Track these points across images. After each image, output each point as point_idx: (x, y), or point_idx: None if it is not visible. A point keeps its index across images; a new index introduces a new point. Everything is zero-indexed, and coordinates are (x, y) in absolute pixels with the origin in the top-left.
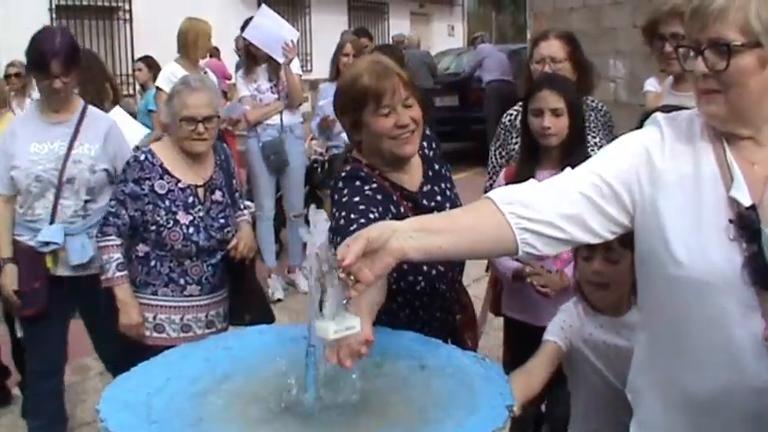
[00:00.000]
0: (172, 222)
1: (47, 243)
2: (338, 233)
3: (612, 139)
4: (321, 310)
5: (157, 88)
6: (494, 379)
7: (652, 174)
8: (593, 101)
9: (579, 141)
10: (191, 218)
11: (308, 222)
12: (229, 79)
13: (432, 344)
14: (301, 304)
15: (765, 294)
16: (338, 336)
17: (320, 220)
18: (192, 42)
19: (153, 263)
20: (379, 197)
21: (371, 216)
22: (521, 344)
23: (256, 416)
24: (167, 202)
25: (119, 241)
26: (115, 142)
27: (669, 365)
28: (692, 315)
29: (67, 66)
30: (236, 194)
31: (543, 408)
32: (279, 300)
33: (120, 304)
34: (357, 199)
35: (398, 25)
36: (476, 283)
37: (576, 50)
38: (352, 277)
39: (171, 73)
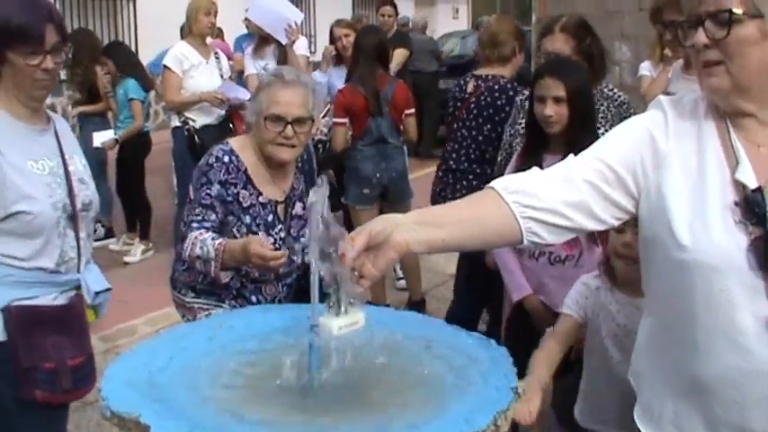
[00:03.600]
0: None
1: (97, 293)
2: None
3: None
4: (323, 302)
5: (165, 67)
6: (498, 360)
7: (656, 157)
8: (610, 89)
9: (585, 128)
10: (271, 240)
11: None
12: (232, 59)
13: (436, 324)
14: None
15: None
16: (342, 332)
17: (319, 198)
18: (193, 18)
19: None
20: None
21: None
22: (527, 326)
23: (259, 394)
24: (248, 219)
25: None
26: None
27: (674, 350)
28: (696, 299)
29: (63, 40)
30: None
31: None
32: None
33: (239, 254)
34: None
35: (403, 7)
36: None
37: (584, 42)
38: (356, 273)
39: (180, 52)
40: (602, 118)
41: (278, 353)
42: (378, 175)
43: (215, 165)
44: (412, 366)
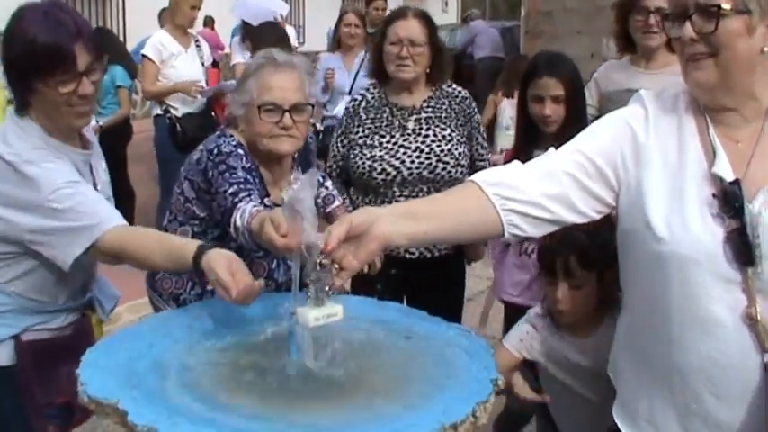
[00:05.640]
0: (262, 252)
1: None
2: None
3: (470, 128)
4: (301, 289)
5: (143, 56)
6: (479, 352)
7: (636, 151)
8: (450, 86)
9: (578, 123)
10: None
11: None
12: (222, 49)
13: (417, 315)
14: None
15: (747, 270)
16: (318, 323)
17: (305, 188)
18: (175, 7)
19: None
20: None
21: None
22: None
23: (239, 383)
24: None
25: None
26: None
27: (649, 343)
28: (672, 291)
29: (98, 55)
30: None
31: None
32: None
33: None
34: None
35: (393, 0)
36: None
37: (434, 33)
38: (336, 265)
39: (158, 41)
40: (445, 117)
41: (257, 340)
42: None
43: (232, 153)
44: (391, 357)
